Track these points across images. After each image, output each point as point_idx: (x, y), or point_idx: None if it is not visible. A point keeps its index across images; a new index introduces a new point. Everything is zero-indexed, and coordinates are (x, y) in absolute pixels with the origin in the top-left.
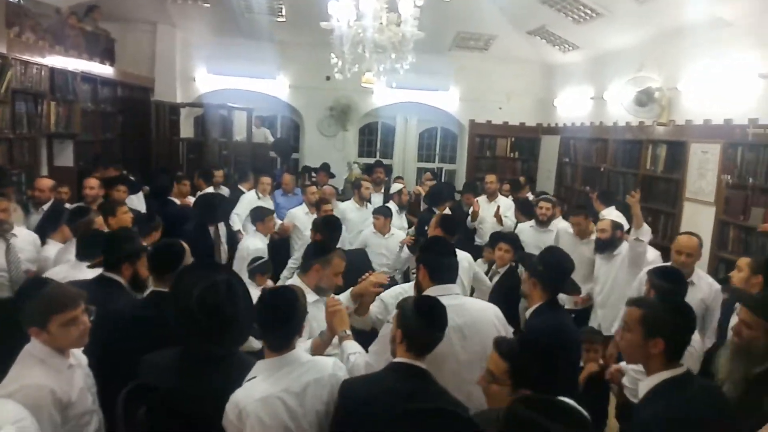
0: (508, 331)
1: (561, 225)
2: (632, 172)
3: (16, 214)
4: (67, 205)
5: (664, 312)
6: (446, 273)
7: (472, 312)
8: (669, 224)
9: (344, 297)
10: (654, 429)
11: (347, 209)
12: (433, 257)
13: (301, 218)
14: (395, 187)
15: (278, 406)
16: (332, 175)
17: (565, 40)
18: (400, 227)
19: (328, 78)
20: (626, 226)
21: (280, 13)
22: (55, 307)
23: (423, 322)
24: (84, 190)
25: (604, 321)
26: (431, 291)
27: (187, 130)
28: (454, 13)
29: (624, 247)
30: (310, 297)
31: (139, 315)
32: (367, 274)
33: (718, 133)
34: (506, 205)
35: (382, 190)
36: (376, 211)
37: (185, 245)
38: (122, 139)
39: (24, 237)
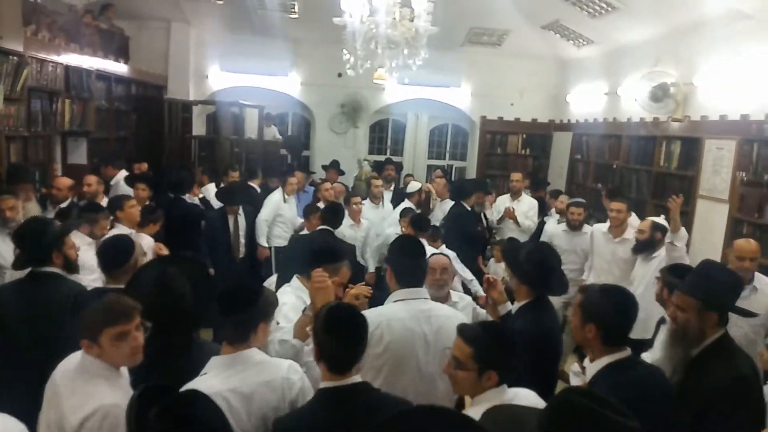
0: None
1: (595, 226)
2: (645, 168)
3: (33, 211)
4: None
5: (599, 299)
6: (412, 276)
7: (440, 319)
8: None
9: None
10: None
11: (364, 209)
12: (400, 259)
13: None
14: (414, 185)
15: (221, 406)
16: (342, 173)
17: (579, 35)
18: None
19: (339, 75)
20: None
21: (292, 10)
22: (108, 319)
23: (331, 335)
24: (83, 186)
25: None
26: (398, 294)
27: (199, 128)
28: (467, 8)
29: (663, 251)
30: (308, 300)
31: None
32: (349, 288)
33: (733, 129)
34: (529, 204)
35: (392, 188)
36: (403, 214)
37: (134, 241)
38: (136, 137)
39: None
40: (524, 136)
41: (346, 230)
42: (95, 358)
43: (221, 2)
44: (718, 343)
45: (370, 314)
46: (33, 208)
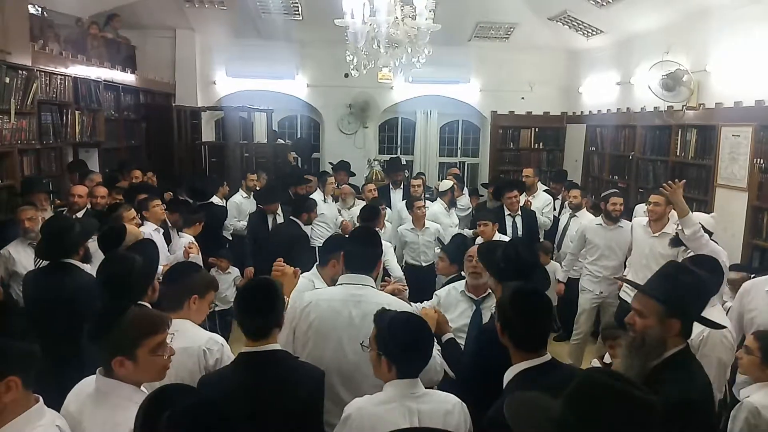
0: None
1: (635, 220)
2: (662, 159)
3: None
4: None
5: (507, 301)
6: (359, 262)
7: (370, 305)
8: (701, 212)
9: None
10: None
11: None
12: (351, 246)
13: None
14: (445, 184)
15: None
16: (352, 174)
17: (588, 25)
18: (450, 224)
19: (346, 75)
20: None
21: (296, 12)
22: (146, 329)
23: (245, 306)
24: (72, 197)
25: None
26: (342, 278)
27: (208, 134)
28: (474, 2)
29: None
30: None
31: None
32: (385, 282)
33: (749, 116)
34: (544, 200)
35: (401, 187)
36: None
37: (127, 227)
38: (146, 146)
39: None
40: (537, 129)
41: (407, 234)
42: (117, 381)
43: (225, 8)
44: (677, 358)
45: (307, 294)
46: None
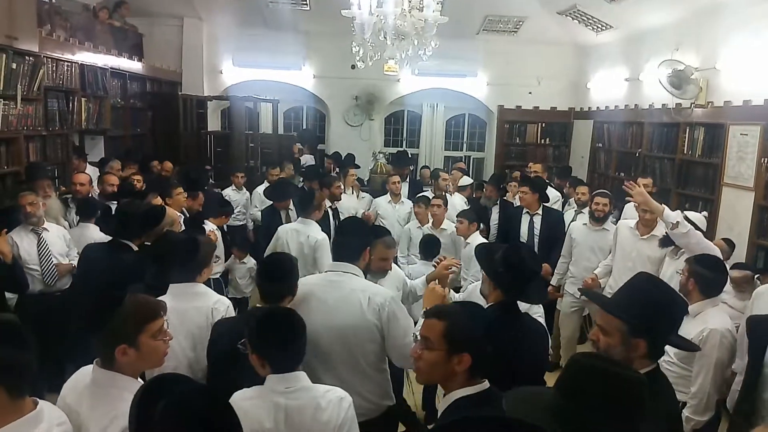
0: (380, 315)
1: (621, 222)
2: (669, 156)
3: (54, 208)
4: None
5: (468, 322)
6: (341, 251)
7: (343, 290)
8: (708, 211)
9: (420, 281)
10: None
11: (380, 204)
12: (336, 236)
13: (383, 207)
14: (465, 180)
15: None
16: (357, 166)
17: (597, 20)
18: None
19: (353, 67)
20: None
21: (304, 2)
22: (146, 315)
23: (262, 277)
24: (74, 186)
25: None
26: (328, 266)
27: (214, 123)
28: None
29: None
30: None
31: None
32: (439, 258)
33: (758, 114)
34: (553, 196)
35: (407, 181)
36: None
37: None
38: (152, 134)
39: (54, 231)
40: (543, 125)
41: (415, 232)
42: (114, 373)
43: None
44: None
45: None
46: (53, 204)
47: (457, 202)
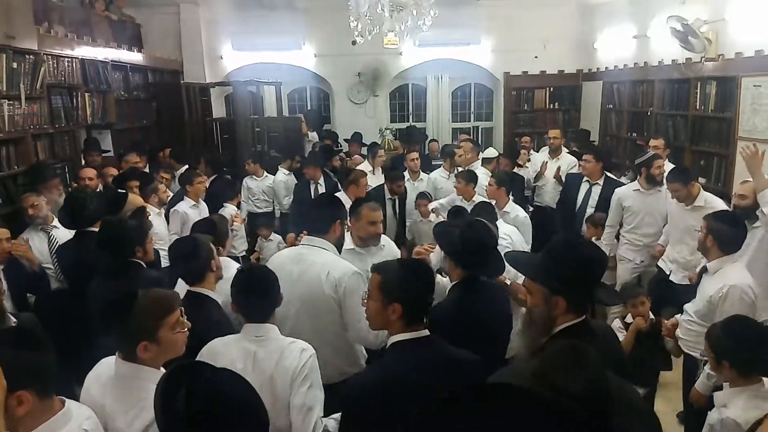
0: (336, 290)
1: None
2: (681, 113)
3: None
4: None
5: (399, 276)
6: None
7: (306, 263)
8: (723, 166)
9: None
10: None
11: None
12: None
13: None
14: (491, 152)
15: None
16: (365, 144)
17: None
18: None
19: (353, 43)
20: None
21: None
22: (162, 310)
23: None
24: (82, 181)
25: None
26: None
27: (218, 110)
28: None
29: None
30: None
31: None
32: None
33: None
34: (569, 162)
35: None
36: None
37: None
38: (157, 124)
39: (64, 228)
40: (551, 89)
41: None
42: (137, 366)
43: None
44: (567, 333)
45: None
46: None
47: (482, 178)
